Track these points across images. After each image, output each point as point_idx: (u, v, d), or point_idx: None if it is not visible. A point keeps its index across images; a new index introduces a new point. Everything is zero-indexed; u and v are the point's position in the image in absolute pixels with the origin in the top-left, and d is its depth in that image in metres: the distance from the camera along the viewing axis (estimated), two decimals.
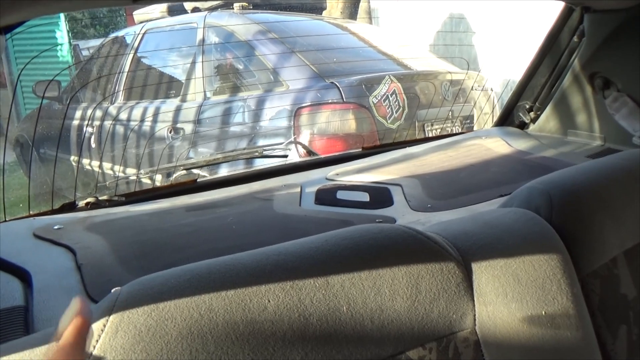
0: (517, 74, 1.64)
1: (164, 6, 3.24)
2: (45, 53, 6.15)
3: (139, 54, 2.99)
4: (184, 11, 3.20)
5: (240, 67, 2.58)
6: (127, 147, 2.67)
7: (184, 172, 1.66)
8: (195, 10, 3.11)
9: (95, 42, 5.61)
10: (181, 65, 2.75)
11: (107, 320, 0.44)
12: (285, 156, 1.70)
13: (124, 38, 3.28)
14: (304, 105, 2.28)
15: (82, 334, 0.41)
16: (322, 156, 1.68)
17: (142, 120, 2.69)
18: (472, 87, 2.67)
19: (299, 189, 1.17)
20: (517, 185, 0.76)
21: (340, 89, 2.28)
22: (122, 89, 2.94)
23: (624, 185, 0.73)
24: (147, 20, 3.21)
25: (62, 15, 6.27)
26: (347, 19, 4.56)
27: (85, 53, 6.31)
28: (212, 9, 2.99)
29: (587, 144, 1.35)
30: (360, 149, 1.53)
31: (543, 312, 0.57)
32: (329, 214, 1.04)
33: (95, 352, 0.43)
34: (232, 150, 2.11)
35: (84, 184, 2.88)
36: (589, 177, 0.73)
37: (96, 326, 0.44)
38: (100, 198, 1.16)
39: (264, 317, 0.47)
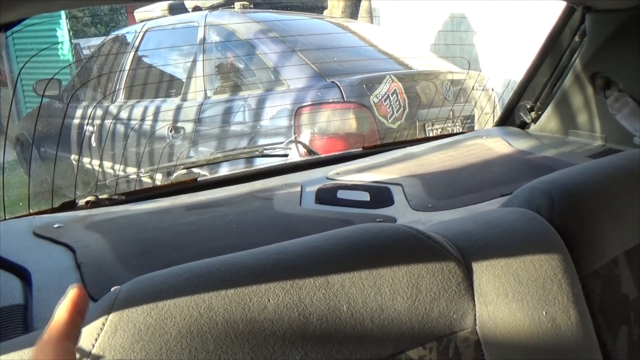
0: (518, 74, 1.64)
1: (164, 5, 3.24)
2: (46, 52, 6.16)
3: (139, 53, 2.99)
4: (185, 10, 3.20)
5: (241, 66, 2.58)
6: (128, 145, 2.67)
7: (184, 171, 1.66)
8: (196, 9, 3.11)
9: (96, 41, 5.62)
10: (182, 64, 2.75)
11: (106, 319, 0.44)
12: (286, 155, 1.70)
13: (125, 37, 3.28)
14: (304, 104, 2.27)
15: (76, 324, 0.39)
16: (323, 155, 1.68)
17: (143, 119, 2.69)
18: (473, 86, 2.67)
19: (299, 188, 1.17)
20: (518, 185, 0.76)
21: (341, 88, 2.28)
22: (122, 87, 2.94)
23: (625, 185, 0.73)
24: (148, 19, 3.21)
25: (62, 13, 6.27)
26: (348, 18, 4.56)
27: (86, 52, 6.32)
28: (213, 8, 2.99)
29: (588, 144, 1.34)
30: (361, 149, 1.53)
31: (544, 312, 0.57)
32: (330, 213, 1.04)
33: (94, 351, 0.42)
34: (232, 150, 2.11)
35: (84, 182, 2.88)
36: (590, 177, 0.73)
37: (95, 325, 0.43)
38: (100, 197, 1.16)
39: (263, 316, 0.47)
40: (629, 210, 0.71)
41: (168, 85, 2.82)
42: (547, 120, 1.46)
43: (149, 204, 1.13)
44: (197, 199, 1.16)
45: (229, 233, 0.97)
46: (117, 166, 2.69)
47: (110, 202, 1.15)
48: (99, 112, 3.00)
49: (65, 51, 6.60)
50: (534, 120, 1.49)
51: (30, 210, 1.13)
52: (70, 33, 6.75)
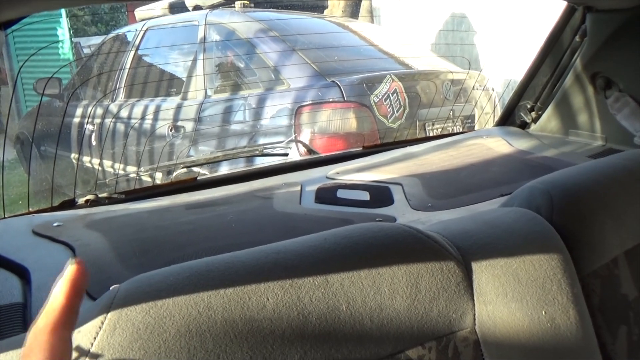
0: (518, 74, 1.64)
1: (165, 4, 3.24)
2: (47, 50, 6.16)
3: (140, 52, 2.99)
4: (186, 9, 3.21)
5: (242, 65, 2.58)
6: (128, 144, 2.67)
7: (184, 170, 1.66)
8: (197, 8, 3.11)
9: (97, 40, 5.62)
10: (182, 63, 2.75)
11: (105, 318, 0.44)
12: (286, 154, 1.70)
13: (125, 36, 3.28)
14: (304, 103, 2.28)
15: (74, 309, 0.36)
16: (323, 155, 1.68)
17: (143, 118, 2.69)
18: (474, 86, 2.67)
19: (299, 188, 1.17)
20: (518, 184, 0.75)
21: (341, 87, 2.28)
22: (122, 86, 2.94)
23: (625, 185, 0.73)
24: (148, 18, 3.21)
25: (63, 12, 6.27)
26: (349, 18, 4.56)
27: (86, 50, 6.32)
28: (213, 7, 2.99)
29: (588, 144, 1.34)
30: (361, 148, 1.53)
31: (543, 312, 0.57)
32: (329, 212, 1.04)
33: (93, 350, 0.42)
34: (232, 149, 2.11)
35: (84, 181, 2.88)
36: (590, 177, 0.73)
37: (94, 323, 0.43)
38: (99, 195, 1.16)
39: (262, 316, 0.47)
40: (628, 210, 0.71)
41: (168, 84, 2.82)
42: (548, 120, 1.45)
43: (149, 203, 1.13)
44: (196, 198, 1.16)
45: (228, 232, 0.97)
46: (117, 165, 2.69)
47: (110, 200, 1.15)
48: (99, 110, 3.00)
49: (65, 50, 6.60)
50: (534, 120, 1.49)
51: (30, 209, 1.13)
52: (71, 32, 6.75)
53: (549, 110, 1.44)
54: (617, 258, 0.68)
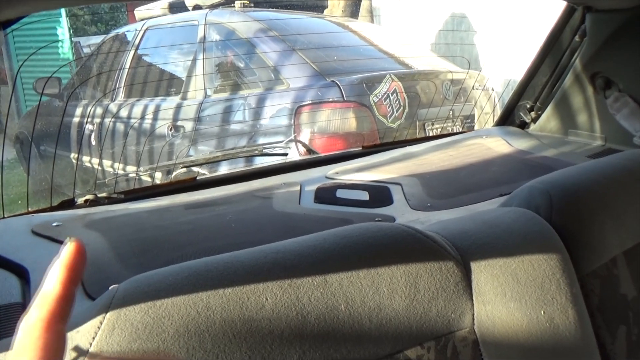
0: (518, 74, 1.64)
1: (165, 4, 3.24)
2: (46, 50, 6.16)
3: (139, 52, 2.99)
4: (185, 8, 3.21)
5: (241, 65, 2.58)
6: (127, 144, 2.67)
7: (184, 169, 1.66)
8: (197, 7, 3.11)
9: (96, 39, 5.62)
10: (182, 63, 2.75)
11: (104, 318, 0.44)
12: (285, 154, 1.70)
13: (125, 35, 3.28)
14: (304, 103, 2.28)
15: (70, 299, 0.31)
16: (322, 155, 1.68)
17: (143, 117, 2.69)
18: (473, 86, 2.67)
19: (298, 188, 1.17)
20: (517, 184, 0.75)
21: (341, 87, 2.28)
22: (122, 86, 2.94)
23: (624, 185, 0.73)
24: (148, 18, 3.21)
25: (63, 11, 6.27)
26: (349, 18, 4.56)
27: (86, 50, 6.32)
28: (213, 7, 2.99)
29: (587, 144, 1.34)
30: (361, 148, 1.53)
31: (542, 312, 0.57)
32: (329, 212, 1.04)
33: (92, 350, 0.42)
34: (232, 148, 2.11)
35: (84, 181, 2.88)
36: (590, 176, 0.73)
37: (92, 323, 0.43)
38: (99, 195, 1.16)
39: (261, 316, 0.47)
40: (628, 210, 0.71)
41: (168, 84, 2.82)
42: (547, 120, 1.45)
43: (148, 203, 1.13)
44: (196, 197, 1.16)
45: (228, 232, 0.97)
46: (116, 165, 2.69)
47: (109, 200, 1.15)
48: (99, 110, 3.00)
49: (65, 49, 6.60)
50: (534, 120, 1.49)
51: (29, 209, 1.13)
52: (70, 31, 6.75)
53: (549, 110, 1.44)
54: (616, 258, 0.68)
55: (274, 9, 3.20)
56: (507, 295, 0.56)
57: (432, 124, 2.51)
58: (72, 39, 6.71)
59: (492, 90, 2.89)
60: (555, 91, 1.41)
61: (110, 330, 0.43)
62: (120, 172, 2.51)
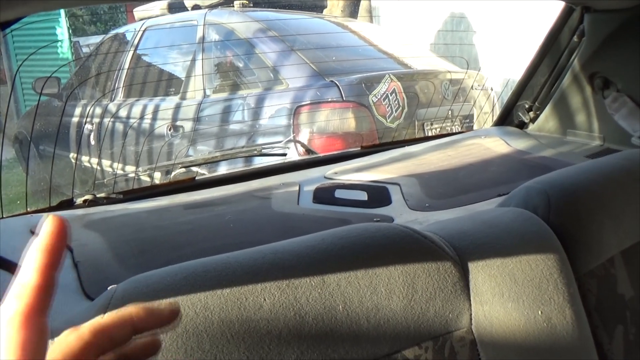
0: (517, 74, 1.64)
1: (164, 4, 3.24)
2: (46, 50, 6.16)
3: (139, 52, 2.99)
4: (184, 8, 3.21)
5: (240, 65, 2.58)
6: (126, 144, 2.67)
7: (183, 169, 1.66)
8: (196, 7, 3.11)
9: (96, 39, 5.62)
10: (181, 63, 2.75)
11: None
12: (284, 154, 1.70)
13: (124, 35, 3.28)
14: (303, 103, 2.28)
15: (50, 287, 0.27)
16: (321, 155, 1.68)
17: (142, 117, 2.69)
18: (472, 86, 2.67)
19: (297, 188, 1.17)
20: (515, 184, 0.76)
21: (340, 87, 2.28)
22: (121, 86, 2.94)
23: (622, 185, 0.73)
24: (147, 18, 3.21)
25: (62, 11, 6.27)
26: (348, 18, 4.56)
27: (85, 50, 6.32)
28: (212, 7, 2.99)
29: (586, 144, 1.34)
30: (359, 148, 1.53)
31: (539, 312, 0.57)
32: (327, 212, 1.04)
33: None
34: (231, 148, 2.11)
35: (82, 181, 2.87)
36: (588, 176, 0.73)
37: None
38: (98, 195, 1.16)
39: (259, 316, 0.47)
40: (626, 209, 0.71)
41: (167, 84, 2.82)
42: (546, 120, 1.46)
43: (147, 203, 1.13)
44: (195, 198, 1.16)
45: (226, 232, 0.97)
46: (115, 165, 2.69)
47: (108, 200, 1.15)
48: (98, 110, 3.00)
49: (64, 49, 6.60)
50: (533, 120, 1.49)
51: (28, 209, 1.13)
52: (70, 31, 6.74)
53: (547, 110, 1.44)
54: (613, 258, 0.68)
55: (273, 9, 3.20)
56: (505, 295, 0.56)
57: (431, 124, 2.51)
58: (72, 38, 6.70)
59: (491, 89, 2.89)
60: (553, 91, 1.41)
61: None
62: (119, 172, 2.51)
